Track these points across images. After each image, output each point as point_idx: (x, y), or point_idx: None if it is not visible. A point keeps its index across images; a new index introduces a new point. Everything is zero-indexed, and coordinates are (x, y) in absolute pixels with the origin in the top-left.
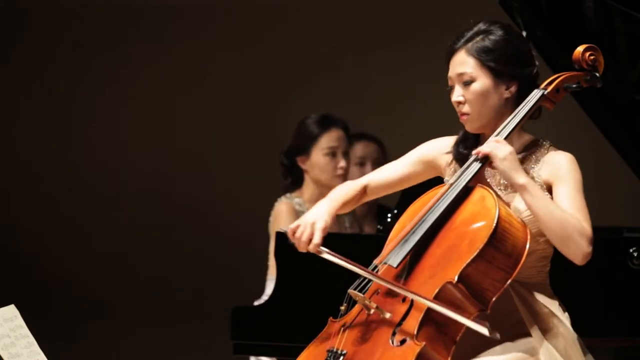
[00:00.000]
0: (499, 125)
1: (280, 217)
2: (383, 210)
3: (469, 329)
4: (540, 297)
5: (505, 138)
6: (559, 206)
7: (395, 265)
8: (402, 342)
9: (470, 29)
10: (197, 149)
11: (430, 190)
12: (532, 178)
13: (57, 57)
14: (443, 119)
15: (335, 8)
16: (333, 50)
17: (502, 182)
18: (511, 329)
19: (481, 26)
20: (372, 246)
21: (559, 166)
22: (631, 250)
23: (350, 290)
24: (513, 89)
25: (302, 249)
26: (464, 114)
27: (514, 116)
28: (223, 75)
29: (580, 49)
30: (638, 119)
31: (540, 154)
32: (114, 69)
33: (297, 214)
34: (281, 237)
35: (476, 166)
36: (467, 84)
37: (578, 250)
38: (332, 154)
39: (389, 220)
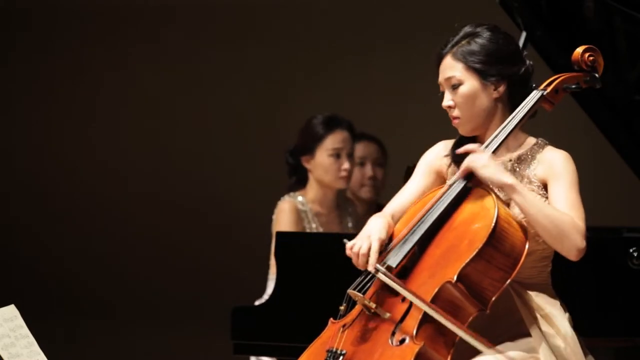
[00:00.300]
0: (492, 126)
1: (283, 215)
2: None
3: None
4: (541, 297)
5: (505, 139)
6: (549, 205)
7: (394, 266)
8: (402, 341)
9: (457, 34)
10: (197, 149)
11: (430, 192)
12: (529, 177)
13: (57, 57)
14: (443, 119)
15: (335, 8)
16: (333, 50)
17: None
18: (511, 328)
19: (467, 29)
20: None
21: (554, 164)
22: (631, 250)
23: (350, 291)
24: (502, 88)
25: (360, 265)
26: (455, 117)
27: (513, 117)
28: (223, 75)
29: (579, 50)
30: (638, 119)
31: (536, 152)
32: (114, 69)
33: (300, 213)
34: (282, 237)
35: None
36: (455, 87)
37: (572, 245)
38: (337, 155)
39: None
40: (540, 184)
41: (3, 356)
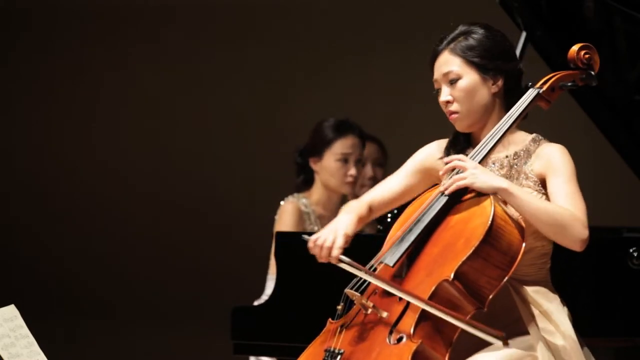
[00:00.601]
0: (489, 122)
1: (285, 216)
2: None
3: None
4: (541, 294)
5: (502, 137)
6: (546, 201)
7: (391, 265)
8: (399, 340)
9: (452, 32)
10: (197, 148)
11: (428, 191)
12: (525, 173)
13: (57, 57)
14: (443, 119)
15: (335, 8)
16: (333, 50)
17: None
18: (509, 326)
19: (462, 28)
20: (372, 246)
21: (550, 158)
22: (631, 250)
23: (347, 290)
24: (500, 83)
25: (322, 258)
26: (453, 112)
27: (510, 116)
28: (223, 75)
29: (575, 47)
30: (638, 119)
31: (532, 148)
32: (114, 68)
33: (303, 214)
34: (282, 237)
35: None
36: (453, 82)
37: (574, 236)
38: (344, 160)
39: (388, 220)
40: (538, 180)
41: (3, 356)
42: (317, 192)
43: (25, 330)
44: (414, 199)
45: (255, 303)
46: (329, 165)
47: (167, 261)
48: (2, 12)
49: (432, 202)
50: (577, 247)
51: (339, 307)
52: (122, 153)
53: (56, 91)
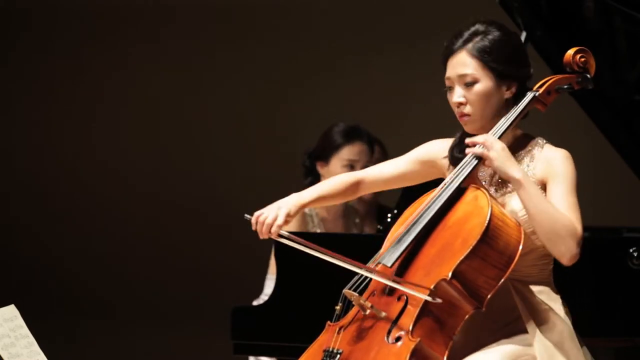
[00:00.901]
0: (495, 124)
1: None
2: (383, 210)
3: (465, 324)
4: (542, 295)
5: (499, 139)
6: (552, 204)
7: (389, 265)
8: (398, 339)
9: (467, 29)
10: (197, 149)
11: (428, 193)
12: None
13: (57, 57)
14: (443, 119)
15: (336, 8)
16: (333, 50)
17: (495, 181)
18: (509, 324)
19: (479, 27)
20: (372, 246)
21: (553, 164)
22: (631, 250)
23: (346, 290)
24: (513, 89)
25: (263, 234)
26: (464, 114)
27: (507, 119)
28: (223, 75)
29: (570, 51)
30: (638, 119)
31: (534, 151)
32: (114, 68)
33: (306, 217)
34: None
35: (469, 167)
36: (469, 85)
37: (566, 250)
38: (350, 166)
39: (389, 220)
40: (539, 183)
41: (3, 356)
42: None
43: (25, 330)
44: (412, 199)
45: (254, 303)
46: (335, 171)
47: (167, 261)
48: (2, 12)
49: (431, 204)
50: (564, 260)
51: (337, 307)
52: (122, 153)
53: (56, 91)
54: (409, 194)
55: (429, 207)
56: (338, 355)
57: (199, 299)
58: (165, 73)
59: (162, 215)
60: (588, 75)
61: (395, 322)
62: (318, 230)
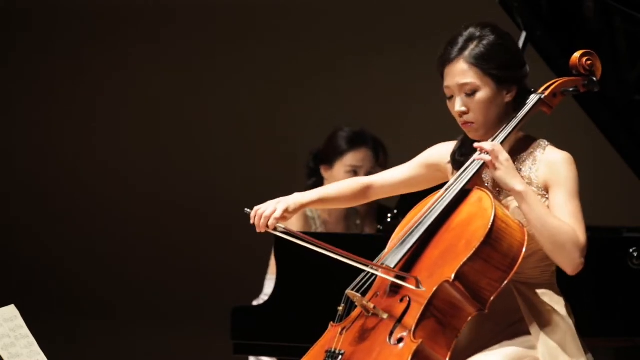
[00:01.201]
0: (498, 128)
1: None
2: (383, 211)
3: (467, 326)
4: (547, 296)
5: (503, 143)
6: (554, 215)
7: (392, 267)
8: (400, 340)
9: (461, 35)
10: (197, 148)
11: (432, 195)
12: (530, 179)
13: (57, 57)
14: (443, 119)
15: (336, 8)
16: (333, 50)
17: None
18: (512, 325)
19: (472, 31)
20: (372, 246)
21: (555, 168)
22: (631, 250)
23: (348, 291)
24: (514, 92)
25: (260, 227)
26: (469, 122)
27: (512, 122)
28: (223, 75)
29: (577, 54)
30: (638, 119)
31: (537, 153)
32: (114, 69)
33: (308, 219)
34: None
35: (474, 169)
36: (470, 94)
37: (570, 261)
38: (354, 172)
39: (389, 220)
40: (541, 186)
41: (3, 356)
42: None
43: (25, 330)
44: (412, 200)
45: (254, 303)
46: (339, 176)
47: (167, 261)
48: (2, 12)
49: (434, 205)
50: (568, 270)
51: (340, 308)
52: (122, 153)
53: (56, 91)
54: (410, 195)
55: (432, 209)
56: (340, 356)
57: (199, 299)
58: (165, 73)
59: (162, 215)
60: (594, 78)
61: (397, 323)
62: None
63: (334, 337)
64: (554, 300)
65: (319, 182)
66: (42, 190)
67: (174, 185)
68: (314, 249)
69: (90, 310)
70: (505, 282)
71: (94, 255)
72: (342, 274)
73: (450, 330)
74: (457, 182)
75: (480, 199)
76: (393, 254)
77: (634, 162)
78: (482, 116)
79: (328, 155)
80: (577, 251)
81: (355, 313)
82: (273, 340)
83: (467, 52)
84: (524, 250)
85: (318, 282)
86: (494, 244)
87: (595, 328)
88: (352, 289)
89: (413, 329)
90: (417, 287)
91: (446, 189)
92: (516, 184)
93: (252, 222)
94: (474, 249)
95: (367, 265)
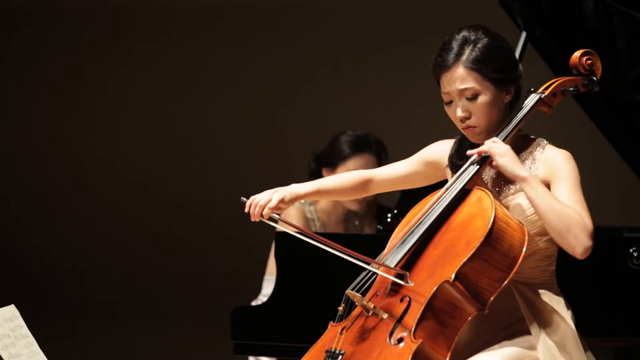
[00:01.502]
0: (498, 130)
1: (289, 219)
2: (383, 210)
3: (467, 326)
4: (547, 296)
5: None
6: (560, 200)
7: (393, 266)
8: (400, 340)
9: (453, 39)
10: (197, 149)
11: (432, 194)
12: None
13: (57, 57)
14: (443, 120)
15: (336, 9)
16: (333, 50)
17: (499, 182)
18: (512, 325)
19: (466, 34)
20: (372, 246)
21: (555, 164)
22: (631, 250)
23: (348, 291)
24: (512, 92)
25: (255, 216)
26: (471, 127)
27: (512, 123)
28: (223, 75)
29: (577, 54)
30: (638, 119)
31: (536, 152)
32: (114, 68)
33: (308, 221)
34: (282, 237)
35: (474, 168)
36: (471, 98)
37: (578, 243)
38: None
39: (389, 220)
40: (542, 184)
41: (3, 356)
42: (324, 200)
43: (25, 330)
44: (412, 199)
45: (253, 303)
46: None
47: (168, 261)
48: (2, 12)
49: (435, 205)
50: (577, 253)
51: (340, 308)
52: (122, 153)
53: (57, 91)
54: (409, 194)
55: (433, 208)
56: (340, 356)
57: (199, 299)
58: (166, 73)
59: (162, 215)
60: (594, 78)
61: (397, 323)
62: None
63: (334, 337)
64: (553, 300)
65: None
66: (42, 190)
67: (174, 185)
68: (309, 242)
69: (90, 310)
70: (506, 281)
71: (94, 255)
72: (342, 273)
73: (451, 330)
74: (457, 182)
75: (480, 198)
76: (394, 253)
77: (634, 162)
78: (484, 120)
79: (331, 158)
80: (585, 232)
81: (355, 313)
82: (273, 340)
83: (464, 57)
84: (524, 250)
85: (318, 282)
86: (494, 244)
87: (595, 328)
88: (352, 289)
89: (413, 329)
90: (406, 282)
91: (446, 189)
92: (520, 170)
93: (246, 210)
94: (474, 249)
95: (357, 259)
